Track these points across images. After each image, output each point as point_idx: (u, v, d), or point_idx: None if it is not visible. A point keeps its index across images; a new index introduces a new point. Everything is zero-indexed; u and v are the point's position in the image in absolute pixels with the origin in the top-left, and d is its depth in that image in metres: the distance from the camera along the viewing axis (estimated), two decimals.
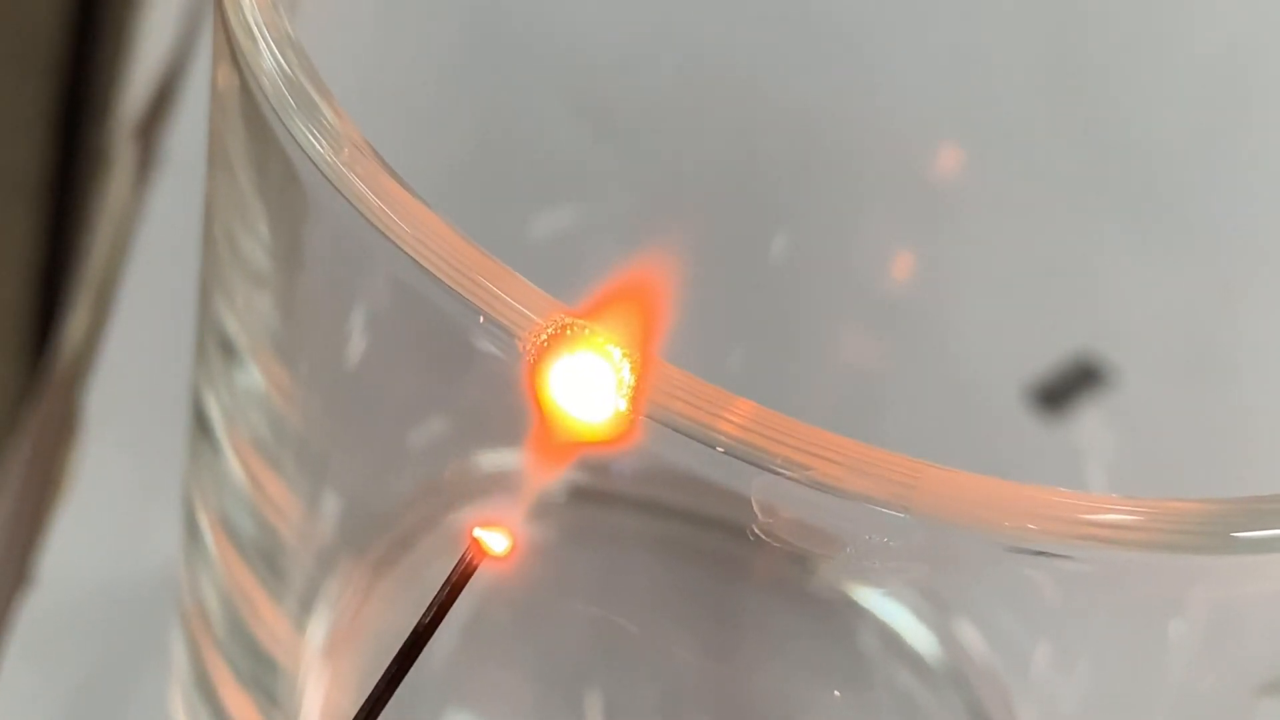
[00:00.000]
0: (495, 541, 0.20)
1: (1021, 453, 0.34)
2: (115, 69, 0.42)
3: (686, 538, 0.31)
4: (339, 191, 0.21)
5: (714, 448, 0.19)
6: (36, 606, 0.31)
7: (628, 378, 0.19)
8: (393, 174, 0.21)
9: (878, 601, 0.31)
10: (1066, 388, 0.34)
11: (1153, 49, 0.35)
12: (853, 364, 0.35)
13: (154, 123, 0.38)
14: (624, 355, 0.19)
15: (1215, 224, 0.34)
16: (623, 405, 0.19)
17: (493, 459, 0.29)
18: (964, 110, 0.35)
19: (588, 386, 0.19)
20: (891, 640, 0.31)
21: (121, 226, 0.36)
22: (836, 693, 0.31)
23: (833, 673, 0.31)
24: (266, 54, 0.22)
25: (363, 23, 0.30)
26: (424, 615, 0.20)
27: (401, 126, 0.30)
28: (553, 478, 0.20)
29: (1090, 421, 0.34)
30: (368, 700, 0.21)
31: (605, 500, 0.31)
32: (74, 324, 0.35)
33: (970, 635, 0.31)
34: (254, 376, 0.25)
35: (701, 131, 0.35)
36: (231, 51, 0.22)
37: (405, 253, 0.20)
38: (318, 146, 0.21)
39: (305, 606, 0.28)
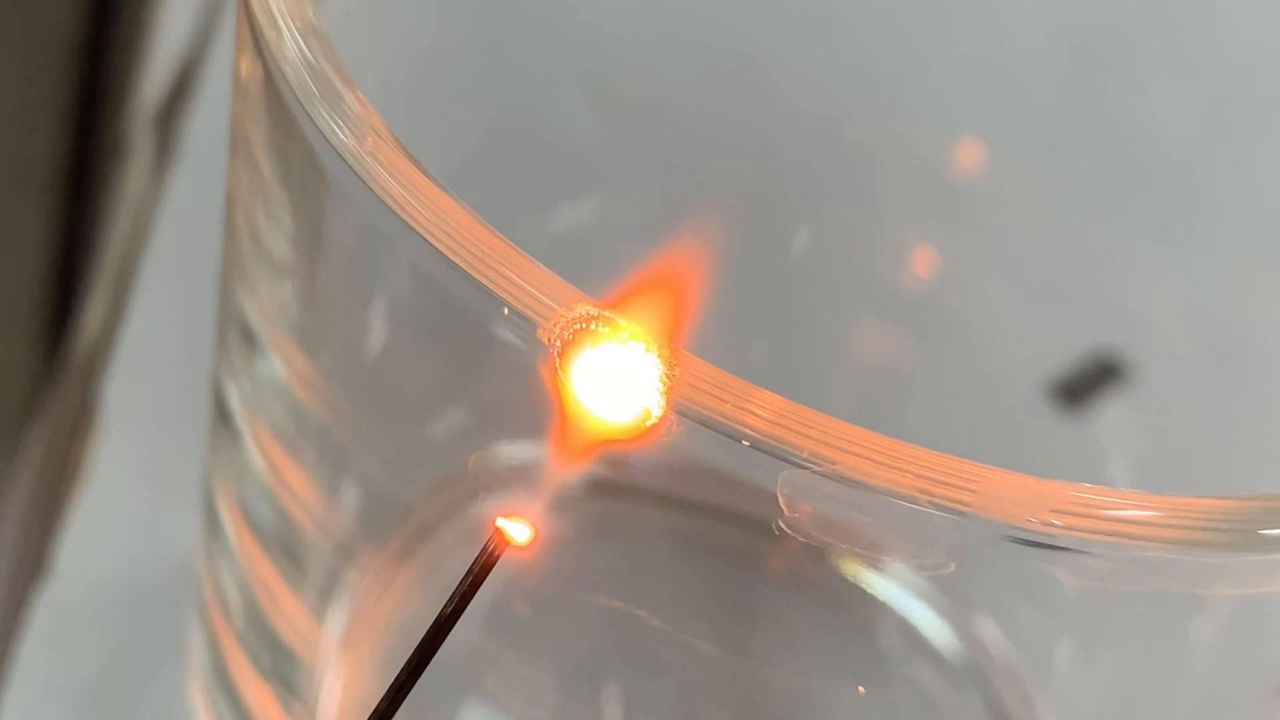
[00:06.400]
0: (518, 531, 0.20)
1: (1042, 448, 0.34)
2: (134, 57, 0.42)
3: (707, 531, 0.31)
4: (362, 180, 0.21)
5: (741, 441, 0.19)
6: (54, 597, 0.31)
7: (654, 372, 0.19)
8: (416, 163, 0.21)
9: (898, 597, 0.31)
10: (1088, 383, 0.34)
11: (1176, 45, 0.35)
12: (873, 359, 0.35)
13: (172, 112, 0.38)
14: (650, 349, 0.19)
15: (1237, 219, 0.34)
16: (651, 401, 0.19)
17: (513, 451, 0.29)
18: (986, 105, 0.35)
19: (612, 381, 0.19)
20: (912, 636, 0.31)
21: (139, 216, 0.36)
22: (861, 689, 0.30)
23: (853, 668, 0.31)
24: (290, 43, 0.22)
25: (387, 11, 0.30)
26: (446, 605, 0.20)
27: (424, 116, 0.30)
28: (575, 471, 0.20)
29: (1112, 417, 0.34)
30: (390, 689, 0.21)
31: (625, 493, 0.31)
32: (91, 314, 0.35)
33: (990, 631, 0.31)
34: (275, 366, 0.25)
35: (725, 126, 0.34)
36: (255, 40, 0.22)
37: (428, 242, 0.20)
38: (341, 135, 0.21)
39: (325, 597, 0.28)
